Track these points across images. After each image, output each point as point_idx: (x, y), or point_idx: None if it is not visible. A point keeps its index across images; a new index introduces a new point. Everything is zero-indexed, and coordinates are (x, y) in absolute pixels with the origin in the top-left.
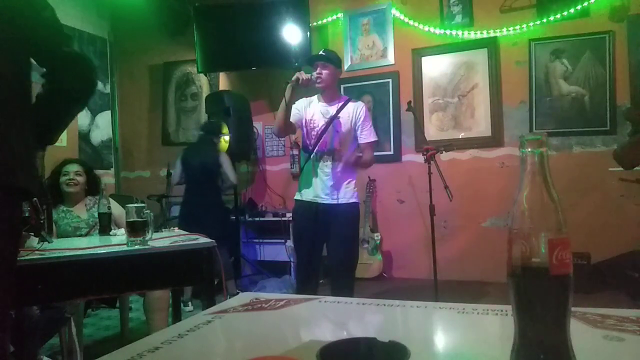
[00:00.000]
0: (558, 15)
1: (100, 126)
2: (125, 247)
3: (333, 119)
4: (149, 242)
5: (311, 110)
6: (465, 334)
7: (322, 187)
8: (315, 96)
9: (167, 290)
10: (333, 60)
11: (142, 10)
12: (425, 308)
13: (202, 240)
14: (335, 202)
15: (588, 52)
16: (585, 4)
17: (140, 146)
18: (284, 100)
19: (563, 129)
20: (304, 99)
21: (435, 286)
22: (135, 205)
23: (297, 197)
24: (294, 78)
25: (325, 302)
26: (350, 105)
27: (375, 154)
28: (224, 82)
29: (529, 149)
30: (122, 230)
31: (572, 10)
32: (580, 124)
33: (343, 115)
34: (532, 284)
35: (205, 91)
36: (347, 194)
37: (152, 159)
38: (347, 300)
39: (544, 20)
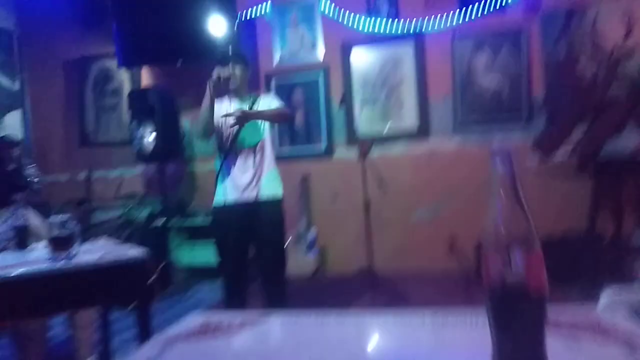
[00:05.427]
0: (478, 9)
1: (9, 127)
2: (46, 265)
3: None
4: (74, 258)
5: (223, 112)
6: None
7: (242, 186)
8: (225, 98)
9: None
10: (244, 60)
11: (56, 3)
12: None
13: (133, 251)
14: (256, 199)
15: (506, 47)
16: (502, 1)
17: (55, 148)
18: (207, 99)
19: (484, 120)
20: (221, 104)
21: (373, 280)
22: (58, 217)
23: (216, 202)
24: (215, 76)
25: (283, 319)
26: (263, 99)
27: (307, 147)
28: (147, 77)
29: (502, 164)
30: (42, 244)
31: (491, 6)
32: (500, 116)
33: (258, 107)
34: (512, 301)
35: (127, 87)
36: (269, 189)
37: (70, 161)
38: (303, 317)
39: (466, 15)
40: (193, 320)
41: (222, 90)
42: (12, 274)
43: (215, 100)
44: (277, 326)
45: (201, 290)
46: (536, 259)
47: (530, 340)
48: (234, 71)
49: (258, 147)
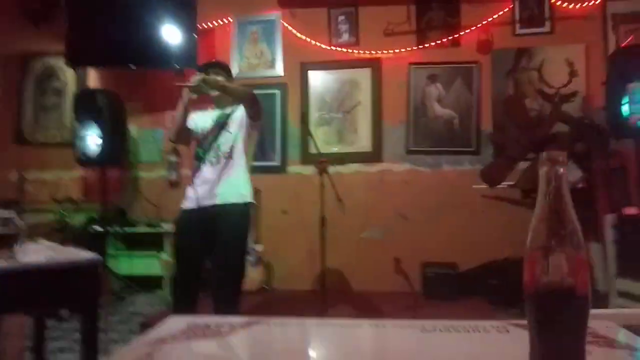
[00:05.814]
0: (434, 43)
1: None
2: None
3: (226, 120)
4: (17, 257)
5: (204, 119)
6: (470, 356)
7: (209, 189)
8: (209, 108)
9: None
10: (226, 69)
11: None
12: (388, 327)
13: (84, 254)
14: (222, 202)
15: (459, 79)
16: (457, 35)
17: None
18: (180, 103)
19: (435, 148)
20: (200, 112)
21: (324, 296)
22: (1, 212)
23: (182, 207)
24: (192, 81)
25: (273, 325)
26: (240, 108)
27: (261, 164)
28: (93, 78)
29: (549, 167)
30: None
31: (445, 40)
32: (450, 144)
33: (236, 115)
34: (556, 304)
35: (71, 87)
36: (232, 194)
37: (0, 159)
38: (297, 323)
39: (422, 46)
40: (175, 322)
41: (198, 97)
42: None
43: (190, 107)
44: (266, 330)
45: (137, 301)
46: (581, 260)
47: (574, 340)
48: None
49: (228, 153)
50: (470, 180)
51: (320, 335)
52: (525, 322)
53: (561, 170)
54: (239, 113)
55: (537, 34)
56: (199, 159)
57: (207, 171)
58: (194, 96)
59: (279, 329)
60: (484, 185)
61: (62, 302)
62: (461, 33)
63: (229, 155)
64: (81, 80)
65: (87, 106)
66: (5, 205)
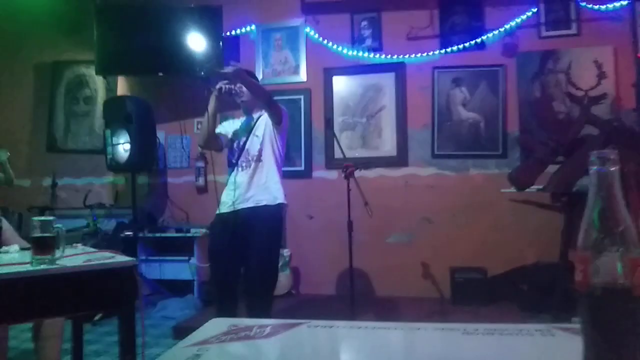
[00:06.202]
0: (458, 47)
1: None
2: (28, 267)
3: (253, 126)
4: (57, 261)
5: (233, 126)
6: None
7: (242, 193)
8: (237, 116)
9: None
10: (254, 76)
11: (32, 3)
12: (429, 330)
13: (121, 258)
14: (254, 205)
15: (484, 82)
16: (482, 38)
17: (19, 152)
18: (209, 110)
19: (461, 151)
20: (231, 120)
21: (352, 301)
22: (42, 218)
23: (218, 211)
24: (217, 87)
25: (315, 327)
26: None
27: (286, 169)
28: (122, 86)
29: (602, 167)
30: (16, 247)
31: (470, 43)
32: (476, 148)
33: (262, 120)
34: (614, 305)
35: (101, 95)
36: (268, 194)
37: (34, 166)
38: (338, 325)
39: (446, 50)
40: (217, 324)
41: (226, 102)
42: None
43: (230, 120)
44: (308, 332)
45: (168, 305)
46: (636, 260)
47: (631, 341)
48: (241, 87)
49: (257, 157)
50: (497, 183)
51: (361, 337)
52: (571, 325)
53: (612, 168)
54: (265, 117)
55: (564, 36)
56: (231, 165)
57: (239, 175)
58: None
59: (321, 332)
60: (512, 189)
61: (100, 305)
62: (485, 36)
63: (259, 159)
64: (111, 88)
65: (117, 113)
66: (40, 211)
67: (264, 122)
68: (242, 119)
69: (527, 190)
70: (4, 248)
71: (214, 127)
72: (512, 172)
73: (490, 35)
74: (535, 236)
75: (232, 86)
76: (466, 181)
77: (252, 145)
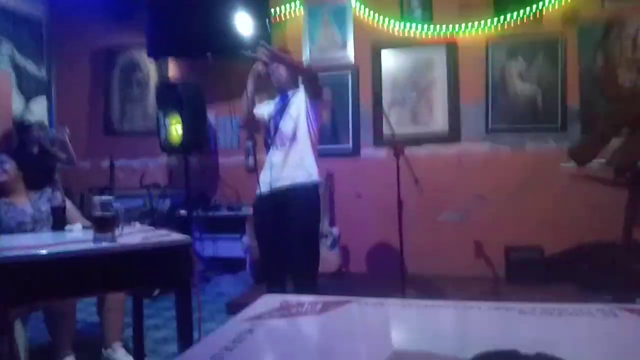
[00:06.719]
0: (514, 16)
1: (35, 112)
2: (90, 245)
3: (287, 104)
4: (117, 239)
5: (268, 107)
6: (605, 340)
7: (278, 172)
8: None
9: None
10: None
11: None
12: (484, 309)
13: (176, 236)
14: (290, 184)
15: (542, 54)
16: (540, 6)
17: (79, 135)
18: (247, 92)
19: (517, 125)
20: (267, 101)
21: (403, 279)
22: (102, 197)
23: (257, 193)
24: (254, 68)
25: (366, 304)
26: (299, 93)
27: (333, 146)
28: (173, 69)
29: None
30: (79, 226)
31: (527, 12)
32: (533, 122)
33: (296, 98)
34: None
35: (153, 78)
36: (303, 172)
37: (93, 149)
38: (388, 303)
39: (501, 20)
40: (270, 301)
41: (264, 84)
42: (56, 252)
43: (257, 94)
44: (359, 309)
45: (221, 282)
46: None
47: None
48: (277, 66)
49: (292, 136)
50: (556, 159)
51: (413, 315)
52: (635, 306)
53: None
54: (299, 96)
55: (630, 2)
56: (267, 145)
57: (274, 155)
58: (261, 73)
59: (373, 309)
60: (572, 164)
61: (157, 280)
62: (545, 4)
63: (293, 138)
64: (162, 71)
65: (169, 97)
66: (100, 191)
67: (297, 101)
68: (277, 99)
69: (589, 164)
70: (68, 226)
71: (252, 108)
72: (573, 147)
73: (548, 3)
74: (596, 214)
75: (267, 68)
76: (523, 156)
77: (286, 124)
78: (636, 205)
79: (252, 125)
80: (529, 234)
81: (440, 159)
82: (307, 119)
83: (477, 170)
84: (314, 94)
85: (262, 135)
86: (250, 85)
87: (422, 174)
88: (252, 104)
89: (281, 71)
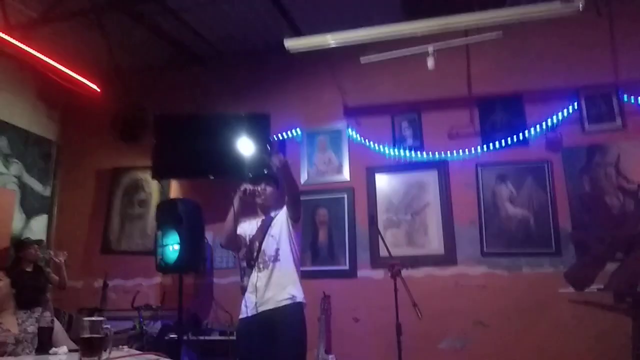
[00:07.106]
0: (500, 143)
1: (34, 230)
2: None
3: (269, 224)
4: None
5: (251, 227)
6: None
7: (261, 294)
8: (254, 216)
9: None
10: (276, 180)
11: (96, 116)
12: None
13: None
14: (273, 307)
15: (530, 178)
16: (524, 134)
17: (76, 254)
18: (232, 211)
19: (512, 249)
20: (249, 220)
21: None
22: (92, 319)
23: (240, 315)
24: (241, 188)
25: None
26: (282, 209)
27: (330, 268)
28: (175, 189)
29: None
30: (64, 349)
31: (512, 140)
32: (527, 245)
33: (278, 219)
34: None
35: (155, 198)
36: (287, 294)
37: (88, 268)
38: None
39: (488, 147)
40: None
41: (249, 204)
42: None
43: (242, 215)
44: None
45: None
46: None
47: None
48: (265, 188)
49: (274, 257)
50: (553, 283)
51: None
52: None
53: None
54: (282, 216)
55: (609, 131)
56: (250, 266)
57: (257, 277)
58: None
59: None
60: (570, 289)
61: None
62: (527, 133)
63: (276, 258)
64: (164, 191)
65: (168, 215)
66: (90, 312)
67: (280, 221)
68: (258, 219)
69: (587, 290)
70: (54, 349)
71: (236, 227)
72: (569, 270)
73: (532, 131)
74: (601, 340)
75: (256, 187)
76: (520, 280)
77: (268, 245)
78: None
79: (234, 244)
80: None
81: (438, 282)
82: (289, 239)
83: (475, 293)
84: (295, 216)
85: (243, 254)
86: (236, 204)
87: (419, 297)
88: (236, 224)
89: (268, 191)
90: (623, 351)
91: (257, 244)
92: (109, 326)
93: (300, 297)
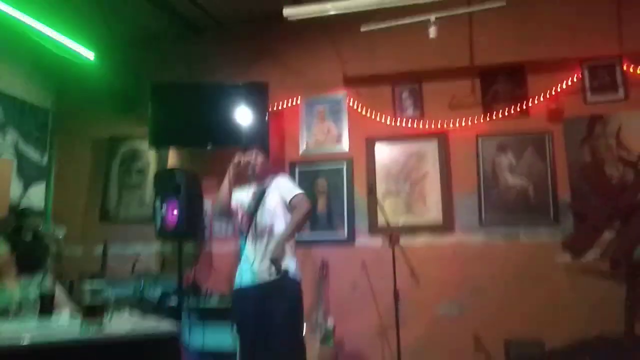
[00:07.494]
0: (501, 114)
1: (33, 198)
2: (76, 334)
3: (262, 197)
4: (106, 328)
5: (243, 195)
6: None
7: (256, 266)
8: (247, 184)
9: None
10: (265, 150)
11: (92, 84)
12: None
13: (164, 327)
14: (267, 280)
15: (530, 148)
16: (525, 105)
17: (74, 221)
18: (226, 181)
19: (510, 219)
20: (241, 190)
21: None
22: (93, 284)
23: (235, 285)
24: (235, 160)
25: None
26: (275, 180)
27: (328, 237)
28: (172, 158)
29: None
30: (66, 312)
31: (513, 110)
32: (526, 215)
33: (272, 190)
34: None
35: (153, 167)
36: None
37: (87, 235)
38: None
39: (489, 118)
40: None
41: (242, 174)
42: (41, 341)
43: (235, 184)
44: None
45: None
46: None
47: None
48: (256, 158)
49: (269, 229)
50: (550, 251)
51: None
52: None
53: None
54: (276, 196)
55: (611, 102)
56: (242, 235)
57: (251, 248)
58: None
59: None
60: (567, 258)
61: None
62: (529, 104)
63: (270, 231)
64: (161, 160)
65: (166, 184)
66: (91, 278)
67: (275, 194)
68: (251, 188)
69: (584, 257)
70: (56, 312)
71: (230, 198)
72: (567, 239)
73: (534, 102)
74: (596, 307)
75: (249, 158)
76: (517, 249)
77: (263, 217)
78: (636, 300)
79: (227, 214)
80: (529, 327)
81: (436, 250)
82: (284, 213)
83: (473, 261)
84: (301, 224)
85: (236, 222)
86: (231, 173)
87: (417, 265)
88: (230, 194)
89: (260, 160)
90: (617, 315)
91: (250, 213)
92: (109, 292)
93: (293, 269)
